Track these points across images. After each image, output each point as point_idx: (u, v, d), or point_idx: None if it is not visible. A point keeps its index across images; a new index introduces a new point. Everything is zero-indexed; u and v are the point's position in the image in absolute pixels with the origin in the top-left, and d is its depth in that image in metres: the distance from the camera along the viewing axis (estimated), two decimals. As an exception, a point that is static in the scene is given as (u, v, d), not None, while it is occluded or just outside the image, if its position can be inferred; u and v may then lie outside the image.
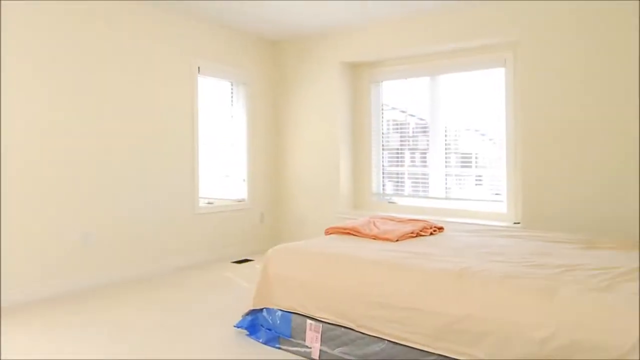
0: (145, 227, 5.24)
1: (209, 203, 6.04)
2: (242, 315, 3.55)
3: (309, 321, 3.14)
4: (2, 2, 3.88)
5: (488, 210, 5.44)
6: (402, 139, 6.20)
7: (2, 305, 4.08)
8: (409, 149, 6.15)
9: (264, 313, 3.42)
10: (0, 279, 4.09)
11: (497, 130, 5.43)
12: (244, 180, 6.48)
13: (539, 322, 2.26)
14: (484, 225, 4.87)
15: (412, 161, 6.14)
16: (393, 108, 6.30)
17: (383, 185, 6.41)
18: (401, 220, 4.32)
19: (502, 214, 5.35)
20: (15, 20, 4.18)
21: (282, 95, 6.84)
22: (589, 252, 3.27)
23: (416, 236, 3.86)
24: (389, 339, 2.75)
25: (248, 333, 3.46)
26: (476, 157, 5.63)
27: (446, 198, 5.80)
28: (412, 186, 6.12)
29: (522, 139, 4.96)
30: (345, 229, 4.00)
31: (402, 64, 6.10)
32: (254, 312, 3.47)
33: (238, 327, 3.53)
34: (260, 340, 3.35)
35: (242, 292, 4.58)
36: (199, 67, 5.81)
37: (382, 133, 6.38)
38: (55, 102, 4.47)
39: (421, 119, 6.01)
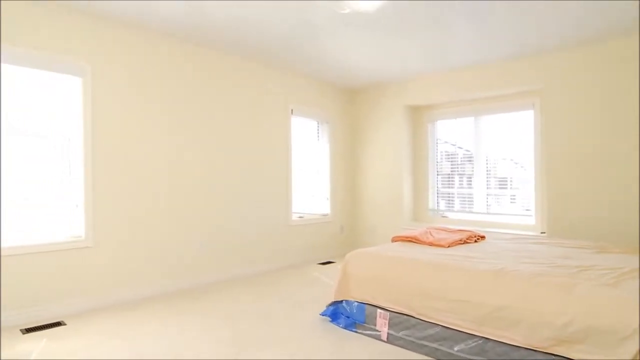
0: (250, 236, 5.28)
1: (300, 217, 6.05)
2: (326, 306, 3.60)
3: (379, 310, 3.19)
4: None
5: (520, 223, 5.37)
6: (452, 166, 6.19)
7: (137, 298, 4.15)
8: (458, 174, 6.12)
9: (344, 304, 3.46)
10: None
11: (527, 159, 5.37)
12: (327, 199, 6.53)
13: (560, 311, 2.29)
14: (517, 234, 4.81)
15: (460, 184, 6.10)
16: (445, 142, 6.29)
17: (437, 203, 6.38)
18: (452, 231, 4.33)
19: (531, 225, 5.27)
20: (168, 86, 4.46)
21: (358, 132, 6.92)
22: (600, 256, 3.24)
23: (463, 243, 3.88)
24: (442, 324, 2.81)
25: (330, 320, 3.51)
26: (511, 181, 5.55)
27: (487, 213, 5.74)
28: (460, 203, 6.08)
29: (547, 166, 4.91)
30: (407, 237, 4.00)
31: (452, 107, 6.10)
32: (335, 303, 3.53)
33: (323, 315, 3.58)
34: (341, 325, 3.40)
35: (326, 287, 4.61)
36: (292, 109, 5.86)
37: (437, 161, 6.38)
38: (187, 143, 4.63)
39: (467, 151, 5.98)
